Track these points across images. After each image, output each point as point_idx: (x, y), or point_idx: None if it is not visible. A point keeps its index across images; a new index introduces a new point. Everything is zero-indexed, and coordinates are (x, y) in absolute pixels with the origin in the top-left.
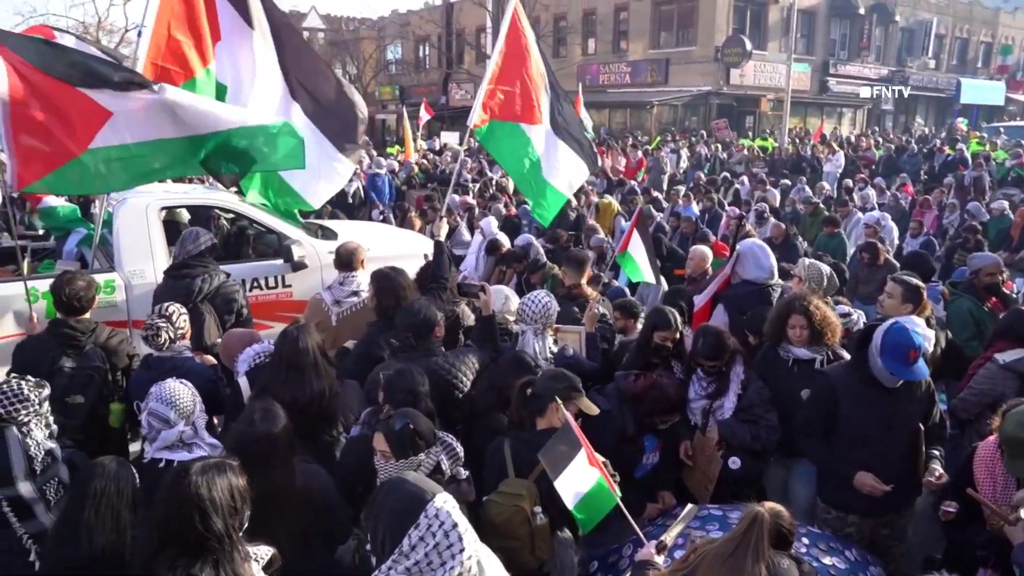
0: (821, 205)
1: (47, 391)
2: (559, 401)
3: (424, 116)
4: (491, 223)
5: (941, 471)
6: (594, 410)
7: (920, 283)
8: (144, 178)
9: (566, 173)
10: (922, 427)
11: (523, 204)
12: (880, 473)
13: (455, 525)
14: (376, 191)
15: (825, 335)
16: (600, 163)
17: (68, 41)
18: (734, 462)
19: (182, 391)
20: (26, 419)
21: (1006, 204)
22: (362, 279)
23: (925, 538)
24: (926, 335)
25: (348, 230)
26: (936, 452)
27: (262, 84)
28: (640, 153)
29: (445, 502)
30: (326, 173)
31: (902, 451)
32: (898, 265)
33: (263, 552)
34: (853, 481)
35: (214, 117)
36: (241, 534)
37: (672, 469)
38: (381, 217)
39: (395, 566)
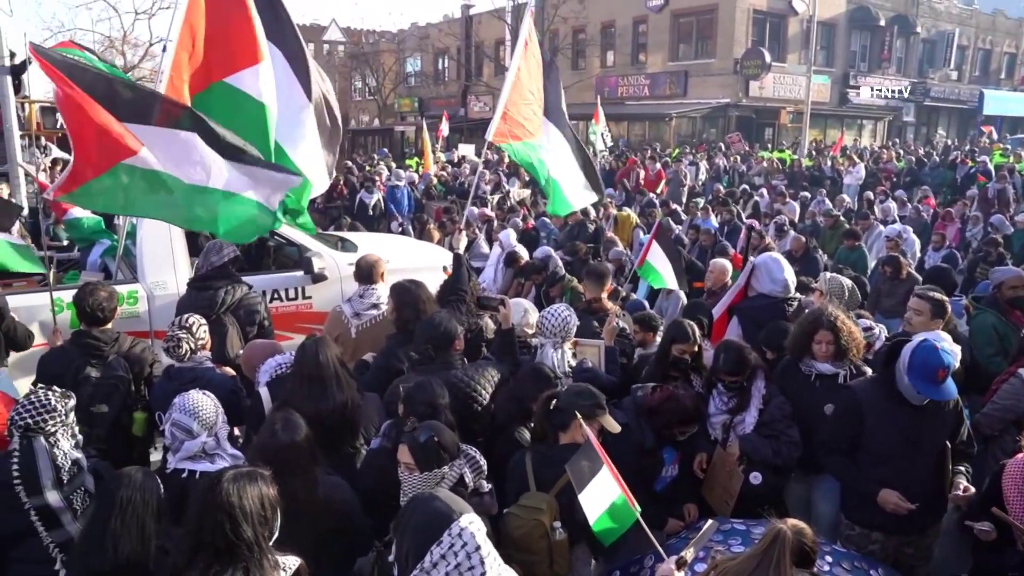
0: (842, 218)
1: (73, 401)
2: (581, 418)
3: (444, 129)
4: (510, 235)
5: (967, 484)
6: (616, 428)
7: (945, 297)
8: (170, 215)
9: (571, 182)
10: (949, 445)
11: (541, 216)
12: (905, 491)
13: (478, 548)
14: (395, 203)
15: (850, 351)
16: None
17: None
18: (755, 477)
19: (205, 402)
20: (53, 429)
21: None
22: (382, 292)
23: (949, 557)
24: (954, 352)
25: (368, 242)
26: (962, 469)
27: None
28: (659, 165)
29: (471, 523)
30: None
31: (928, 469)
32: (920, 279)
33: (291, 562)
34: (877, 498)
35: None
36: (271, 543)
37: (693, 482)
38: (400, 229)
39: None
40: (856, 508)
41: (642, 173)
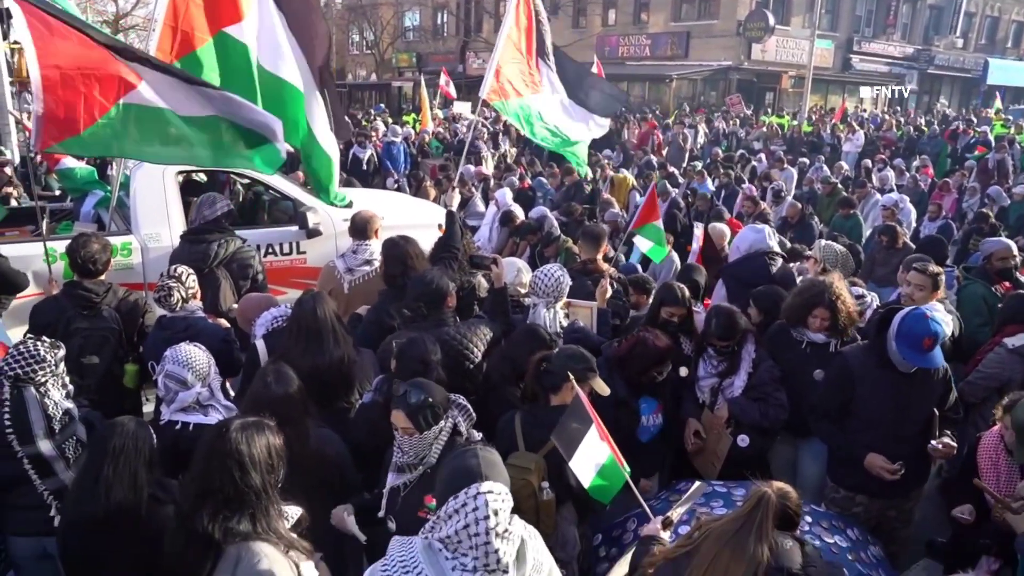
0: (839, 185)
1: (63, 352)
2: (573, 380)
3: (450, 89)
4: (506, 194)
5: (949, 440)
6: (606, 390)
7: (939, 268)
8: (172, 156)
9: (581, 124)
10: (936, 412)
11: (538, 176)
12: (892, 456)
13: (487, 517)
14: (391, 159)
15: (846, 330)
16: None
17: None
18: (743, 440)
19: (197, 353)
20: (43, 379)
21: None
22: (375, 248)
23: (930, 521)
24: (944, 321)
25: (363, 198)
26: (948, 432)
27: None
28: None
29: (490, 491)
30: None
31: (915, 435)
32: (915, 248)
33: (293, 512)
34: (864, 462)
35: (219, 101)
36: (275, 492)
37: (680, 433)
38: (395, 186)
39: (435, 529)
40: (842, 471)
41: (651, 134)
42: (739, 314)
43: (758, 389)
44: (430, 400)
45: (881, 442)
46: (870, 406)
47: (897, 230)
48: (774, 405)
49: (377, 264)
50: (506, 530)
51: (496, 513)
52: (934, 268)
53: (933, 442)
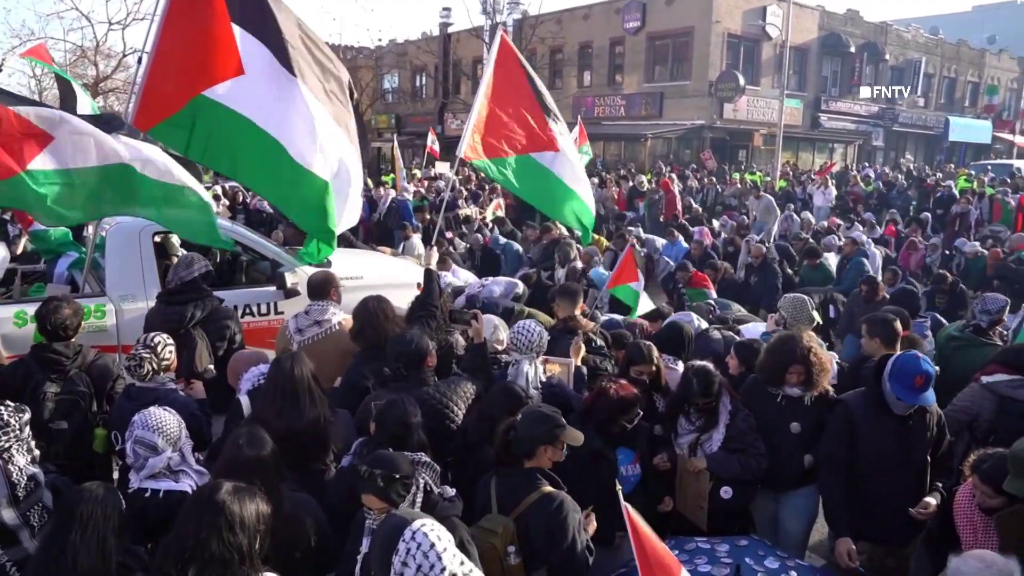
0: (811, 240)
1: (28, 416)
2: (547, 445)
3: (435, 148)
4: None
5: (930, 503)
6: (579, 439)
7: (887, 317)
8: (94, 212)
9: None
10: (930, 459)
11: (497, 237)
12: (892, 502)
13: (432, 545)
14: (405, 214)
15: (820, 383)
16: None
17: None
18: (726, 492)
19: (167, 417)
20: (7, 445)
21: (978, 244)
22: (329, 309)
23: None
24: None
25: (342, 258)
26: (939, 484)
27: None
28: (632, 183)
29: (423, 525)
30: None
31: (914, 480)
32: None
33: None
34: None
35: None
36: (259, 561)
37: (664, 482)
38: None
39: None
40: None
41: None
42: (714, 371)
43: (737, 440)
44: (396, 476)
45: (885, 489)
46: (870, 451)
47: (877, 282)
48: (754, 455)
49: (328, 326)
50: (462, 562)
51: (440, 539)
52: (875, 316)
53: (912, 510)
